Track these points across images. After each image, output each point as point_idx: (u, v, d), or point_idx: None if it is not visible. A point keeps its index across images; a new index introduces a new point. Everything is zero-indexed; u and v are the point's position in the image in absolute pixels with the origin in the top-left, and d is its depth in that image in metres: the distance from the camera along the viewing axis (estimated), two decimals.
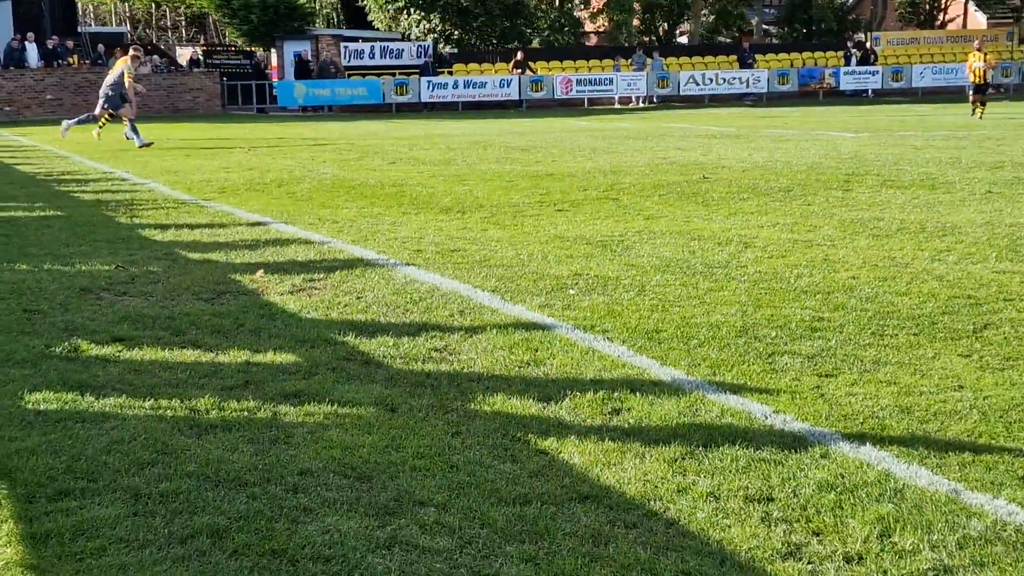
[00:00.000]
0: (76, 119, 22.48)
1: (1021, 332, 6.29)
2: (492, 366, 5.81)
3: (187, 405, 5.18)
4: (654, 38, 55.45)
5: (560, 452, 4.55)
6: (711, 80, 44.10)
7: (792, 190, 12.98)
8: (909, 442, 4.59)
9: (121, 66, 22.75)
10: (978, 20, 57.46)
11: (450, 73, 42.54)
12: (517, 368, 5.77)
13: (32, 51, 37.00)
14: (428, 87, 40.81)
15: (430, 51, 43.06)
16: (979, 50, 29.21)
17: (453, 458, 4.49)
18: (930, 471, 4.28)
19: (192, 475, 4.34)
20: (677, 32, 59.30)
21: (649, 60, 44.17)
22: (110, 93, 22.40)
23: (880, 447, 4.54)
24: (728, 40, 55.61)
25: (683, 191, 13.08)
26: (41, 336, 6.50)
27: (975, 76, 28.68)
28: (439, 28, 47.39)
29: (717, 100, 43.45)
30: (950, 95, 43.14)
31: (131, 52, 23.58)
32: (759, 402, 5.14)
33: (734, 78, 44.48)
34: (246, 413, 5.08)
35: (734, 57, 46.64)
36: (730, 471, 4.32)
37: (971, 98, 28.61)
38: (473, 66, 43.48)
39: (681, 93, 43.48)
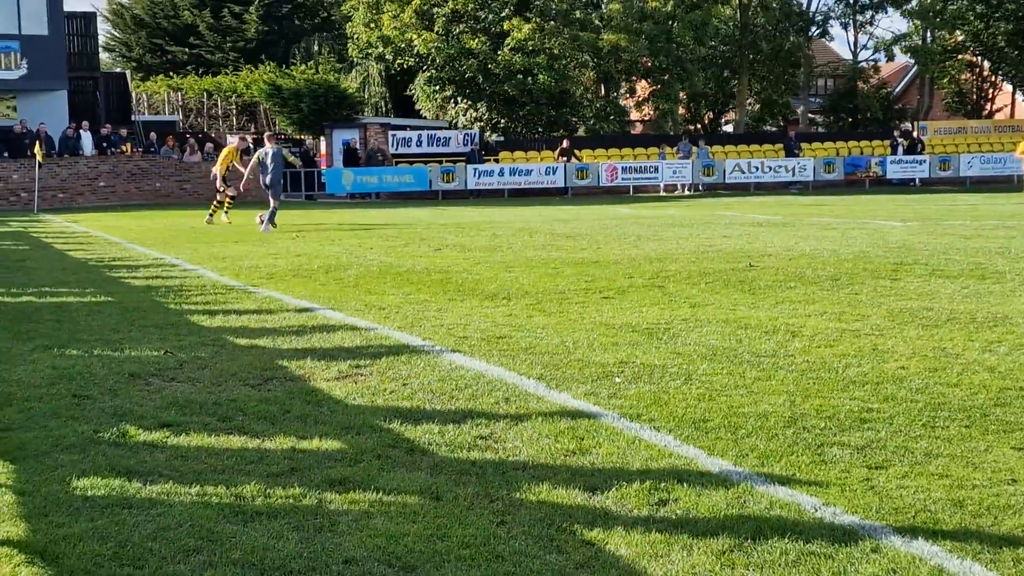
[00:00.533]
0: (268, 218, 23.65)
1: None
2: (538, 454, 5.78)
3: (233, 492, 5.18)
4: (699, 126, 55.77)
5: (606, 543, 4.51)
6: (756, 168, 44.25)
7: (839, 279, 12.92)
8: (962, 537, 4.51)
9: (270, 148, 24.19)
10: None
11: (496, 161, 42.94)
12: (563, 457, 5.74)
13: (86, 139, 37.71)
14: (474, 174, 41.16)
15: (476, 139, 43.53)
16: None
17: (498, 548, 4.46)
18: (984, 567, 4.20)
19: (237, 563, 4.33)
20: (722, 121, 59.63)
21: (695, 148, 44.43)
22: (274, 180, 23.90)
23: (932, 542, 4.46)
24: (773, 129, 55.84)
25: (729, 279, 13.05)
26: (90, 421, 6.54)
27: None
28: (485, 116, 47.95)
29: (763, 188, 43.53)
30: (998, 184, 43.00)
31: (266, 135, 26.68)
32: (808, 494, 5.07)
33: (780, 166, 44.60)
34: (292, 500, 5.07)
35: (780, 145, 46.86)
36: (779, 564, 4.26)
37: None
38: (519, 154, 43.90)
39: (726, 181, 43.63)
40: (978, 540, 4.47)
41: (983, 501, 4.94)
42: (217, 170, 26.64)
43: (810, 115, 59.39)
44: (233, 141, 27.13)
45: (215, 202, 26.78)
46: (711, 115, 57.82)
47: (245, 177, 25.21)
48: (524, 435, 6.15)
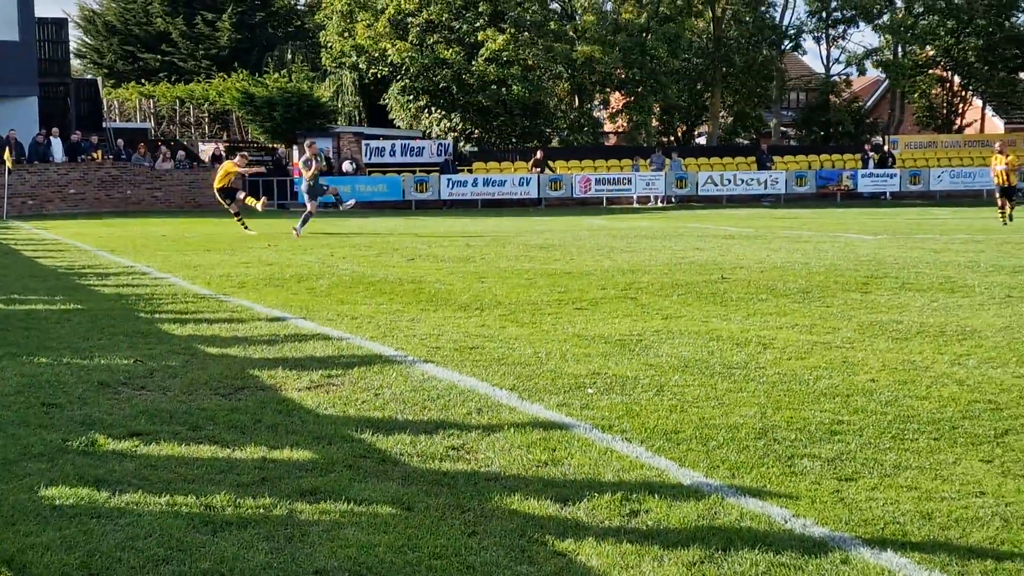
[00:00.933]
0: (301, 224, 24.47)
1: None
2: (510, 465, 5.78)
3: (203, 501, 5.16)
4: (673, 139, 55.95)
5: (578, 554, 4.51)
6: (729, 181, 44.46)
7: (810, 291, 12.98)
8: (930, 548, 4.54)
9: (301, 165, 25.46)
10: (995, 124, 57.86)
11: (470, 171, 42.95)
12: (535, 468, 5.74)
13: (57, 146, 37.48)
14: (448, 184, 41.18)
15: (450, 149, 43.53)
16: (1001, 152, 28.44)
17: (470, 559, 4.45)
18: None
19: (207, 573, 4.31)
20: (695, 133, 59.83)
21: (668, 160, 44.57)
22: (309, 187, 24.96)
23: (901, 553, 4.49)
24: (746, 142, 56.07)
25: (701, 291, 13.09)
26: (59, 430, 6.50)
27: (999, 179, 28.16)
28: (459, 127, 47.96)
29: (735, 201, 43.72)
30: (968, 199, 43.33)
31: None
32: (779, 505, 5.09)
33: (752, 179, 44.83)
34: (262, 510, 5.05)
35: (752, 158, 47.07)
36: (749, 575, 4.27)
37: (999, 202, 28.12)
38: (493, 164, 43.94)
39: (699, 193, 43.80)
40: (946, 552, 4.49)
41: (951, 513, 4.97)
42: (215, 186, 26.39)
43: (782, 128, 59.65)
44: (235, 158, 26.93)
45: (236, 216, 26.23)
46: (684, 127, 58.00)
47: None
48: (496, 446, 6.15)
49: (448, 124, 47.84)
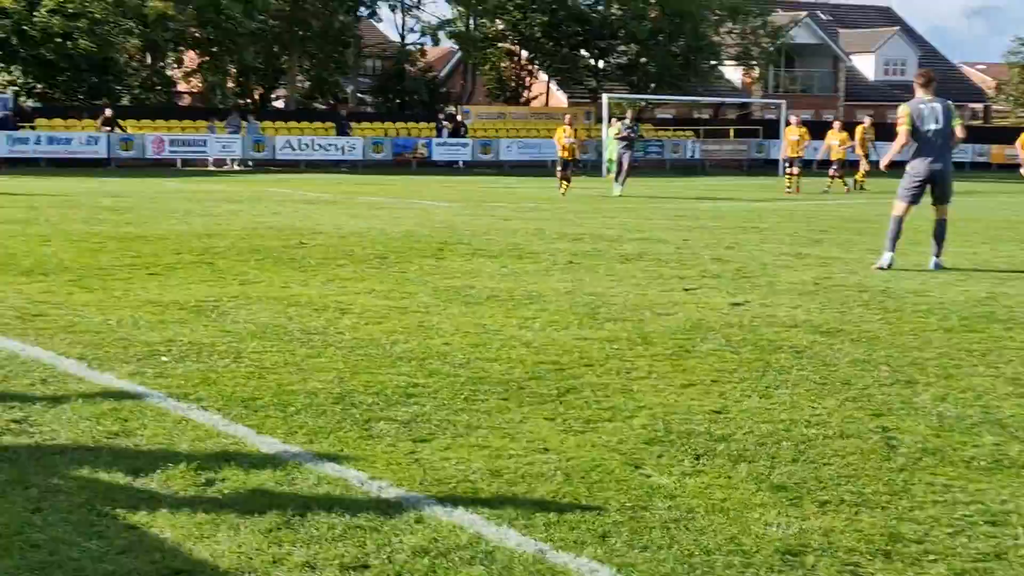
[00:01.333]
0: None
1: (600, 396, 6.64)
2: (78, 438, 5.54)
3: None
4: (249, 101, 55.24)
5: (151, 526, 4.39)
6: (307, 146, 44.45)
7: (388, 257, 13.21)
8: (499, 504, 4.73)
9: None
10: (560, 99, 60.95)
11: (32, 128, 40.70)
12: (105, 439, 5.53)
13: None
14: (7, 141, 38.83)
15: (10, 104, 41.09)
16: (570, 125, 28.94)
17: (34, 536, 4.24)
18: (518, 532, 4.42)
19: None
20: (273, 96, 59.34)
21: (244, 123, 43.99)
22: None
23: (472, 510, 4.65)
24: (324, 107, 56.21)
25: (280, 256, 13.04)
26: None
27: (565, 151, 28.82)
28: (20, 80, 45.34)
29: (313, 166, 43.76)
30: (535, 169, 45.42)
31: None
32: (356, 469, 5.16)
33: (331, 144, 45.03)
34: None
35: (331, 124, 47.22)
36: (326, 539, 4.30)
37: (558, 174, 28.78)
38: (58, 121, 41.81)
39: (277, 158, 43.52)
40: (513, 506, 4.70)
41: (518, 470, 5.20)
42: None
43: (359, 95, 60.23)
44: None
45: None
46: (262, 90, 57.41)
47: None
48: (63, 417, 5.87)
49: (7, 77, 45.12)
